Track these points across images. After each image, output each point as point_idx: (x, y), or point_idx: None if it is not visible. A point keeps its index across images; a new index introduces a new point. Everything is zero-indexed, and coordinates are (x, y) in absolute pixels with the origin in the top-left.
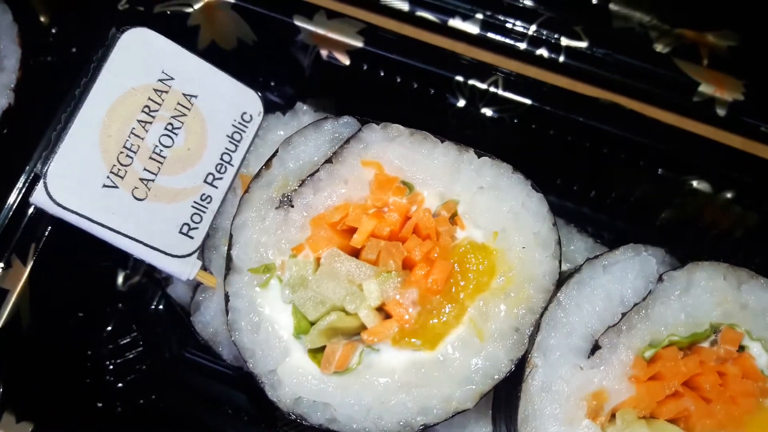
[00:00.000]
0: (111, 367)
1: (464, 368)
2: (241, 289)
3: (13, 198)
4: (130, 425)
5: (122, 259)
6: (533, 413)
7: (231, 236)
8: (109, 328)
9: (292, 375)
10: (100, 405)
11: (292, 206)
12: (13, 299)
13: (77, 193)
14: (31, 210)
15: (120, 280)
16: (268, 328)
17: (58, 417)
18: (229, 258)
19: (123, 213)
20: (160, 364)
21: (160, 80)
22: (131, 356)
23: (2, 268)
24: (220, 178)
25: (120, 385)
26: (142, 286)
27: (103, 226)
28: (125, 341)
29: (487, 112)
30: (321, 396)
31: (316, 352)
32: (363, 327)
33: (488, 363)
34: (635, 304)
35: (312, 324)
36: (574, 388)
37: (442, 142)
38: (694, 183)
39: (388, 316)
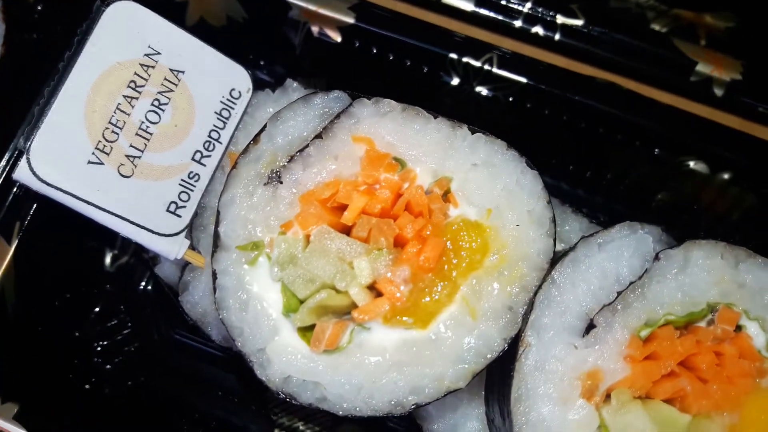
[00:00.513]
0: (99, 348)
1: (456, 347)
2: (228, 267)
3: None
4: (118, 407)
5: (109, 238)
6: (526, 393)
7: (218, 213)
8: (97, 309)
9: (281, 354)
10: (87, 387)
11: (281, 182)
12: None
13: (62, 170)
14: (15, 188)
15: (107, 260)
16: (256, 306)
17: (44, 398)
18: (216, 235)
19: (109, 190)
20: (149, 345)
21: (147, 55)
22: (119, 338)
23: None
24: (208, 156)
25: (108, 366)
26: (129, 267)
27: (88, 203)
28: (113, 322)
29: (482, 90)
30: (311, 375)
31: (306, 331)
32: (354, 305)
33: (481, 342)
34: (631, 283)
35: (301, 302)
36: (568, 367)
37: (435, 117)
38: (691, 164)
39: (379, 294)
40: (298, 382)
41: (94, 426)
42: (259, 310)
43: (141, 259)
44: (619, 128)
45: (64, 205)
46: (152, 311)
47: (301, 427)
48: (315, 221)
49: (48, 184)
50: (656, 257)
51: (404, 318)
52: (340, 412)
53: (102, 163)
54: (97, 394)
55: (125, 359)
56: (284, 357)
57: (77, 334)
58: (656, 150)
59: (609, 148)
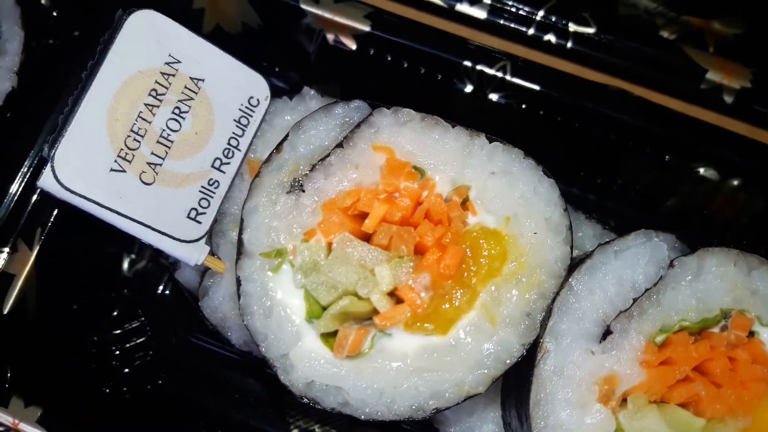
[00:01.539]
0: (117, 352)
1: (476, 353)
2: (252, 274)
3: (18, 183)
4: (137, 410)
5: (128, 244)
6: (545, 397)
7: (242, 221)
8: (115, 314)
9: (304, 359)
10: (107, 390)
11: (303, 191)
12: (19, 284)
13: (85, 177)
14: (36, 195)
15: (126, 265)
16: (280, 313)
17: (65, 402)
18: (240, 242)
19: (131, 197)
20: (167, 349)
21: (167, 63)
22: (138, 342)
23: (8, 252)
24: (228, 163)
25: (126, 370)
26: (148, 272)
27: (110, 210)
28: (131, 327)
29: (495, 97)
30: (333, 380)
31: (329, 337)
32: (375, 312)
33: (500, 348)
34: (646, 290)
35: (324, 308)
36: (585, 372)
37: (453, 126)
38: (701, 170)
39: (400, 300)
40: (320, 387)
41: (115, 428)
42: (283, 316)
43: (159, 264)
44: (630, 135)
45: (87, 212)
46: (170, 315)
47: (317, 430)
48: (337, 229)
49: (72, 192)
50: (671, 264)
51: (425, 324)
52: (363, 417)
53: (124, 171)
54: (116, 397)
55: (144, 363)
56: (307, 362)
57: (96, 338)
58: (667, 156)
59: (620, 154)
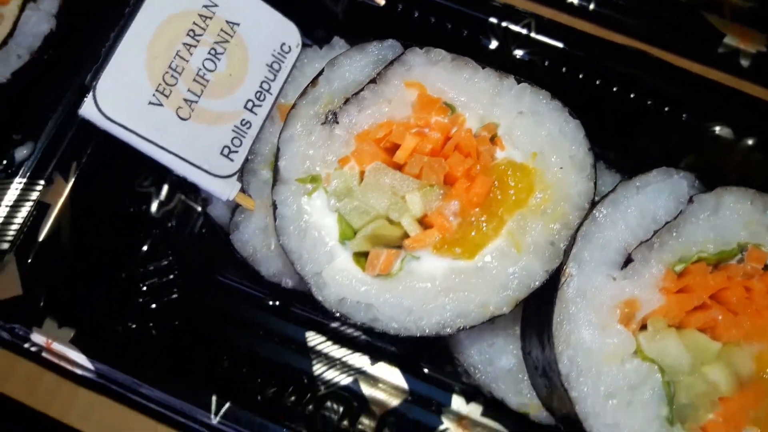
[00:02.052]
0: (144, 288)
1: (501, 276)
2: (288, 198)
3: (56, 119)
4: (163, 345)
5: (160, 183)
6: (568, 318)
7: (278, 149)
8: (144, 252)
9: (336, 277)
10: (134, 326)
11: (337, 122)
12: (54, 214)
13: (124, 108)
14: (72, 131)
15: (156, 205)
16: (314, 234)
17: (96, 328)
18: (276, 170)
19: (167, 130)
20: (194, 288)
21: (205, 6)
22: (165, 280)
23: (45, 183)
24: (259, 106)
25: (154, 306)
26: (177, 214)
27: (148, 141)
28: (160, 264)
29: (519, 53)
30: (364, 297)
31: (360, 258)
32: (405, 237)
33: (524, 272)
34: (666, 223)
35: (356, 232)
36: (607, 296)
37: (483, 68)
38: (717, 129)
39: (429, 227)
40: (352, 303)
41: (141, 360)
42: (317, 237)
43: (188, 206)
44: (649, 94)
45: (122, 144)
46: (198, 255)
47: (339, 366)
48: (370, 158)
49: (112, 121)
50: (690, 200)
51: (453, 248)
52: (391, 332)
53: (161, 105)
54: (143, 332)
55: (171, 300)
56: (339, 280)
57: (124, 274)
58: (684, 115)
59: (639, 112)
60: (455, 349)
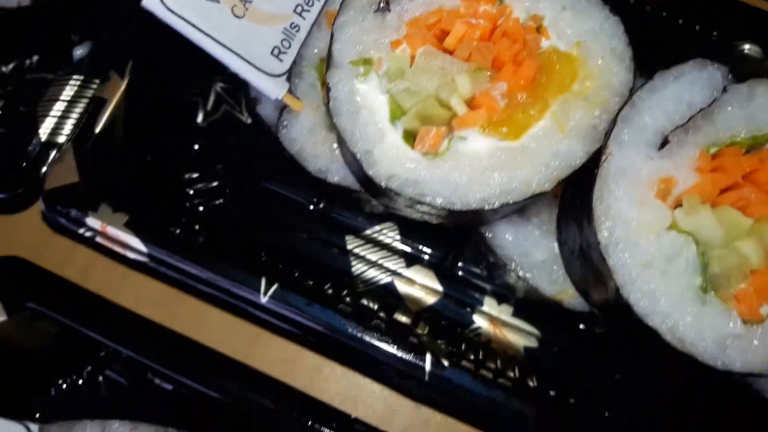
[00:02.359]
0: (191, 192)
1: (544, 156)
2: (341, 80)
3: (113, 19)
4: (213, 237)
5: (207, 93)
6: (608, 193)
7: (332, 35)
8: (193, 155)
9: (387, 155)
10: (183, 220)
11: (389, 10)
12: (109, 109)
13: (184, 2)
14: (127, 31)
15: (201, 115)
16: (366, 113)
17: (150, 213)
18: (330, 54)
19: (223, 27)
20: (240, 193)
21: None
22: (212, 186)
23: (101, 80)
24: (308, 11)
25: (201, 209)
26: (224, 122)
27: (205, 34)
28: (206, 171)
29: None
30: (412, 174)
31: (410, 137)
32: (453, 117)
33: (567, 153)
34: (701, 109)
35: (406, 113)
36: (645, 174)
37: None
38: (746, 48)
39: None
40: (400, 179)
41: (192, 244)
42: (368, 116)
43: (233, 117)
44: (680, 12)
45: (176, 47)
46: (244, 163)
47: (375, 268)
48: (421, 42)
49: (173, 13)
50: (724, 89)
51: (499, 129)
52: (438, 205)
53: (218, 2)
54: (190, 236)
55: (217, 205)
56: (389, 158)
57: (173, 176)
58: (714, 34)
59: (670, 30)
60: (492, 243)
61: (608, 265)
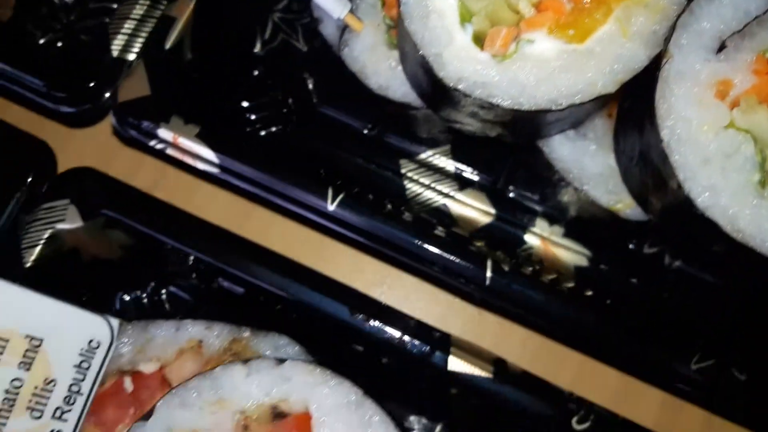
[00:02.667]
0: (253, 117)
1: (609, 59)
2: None
3: None
4: (279, 151)
5: (264, 23)
6: (669, 93)
7: None
8: (252, 82)
9: (456, 57)
10: (247, 143)
11: None
12: (179, 27)
13: None
14: None
15: (260, 43)
16: (435, 16)
17: (220, 125)
18: None
19: None
20: (298, 119)
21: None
22: (271, 113)
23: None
24: None
25: (262, 133)
26: (283, 51)
27: None
28: (265, 97)
29: None
30: (481, 76)
31: (478, 40)
32: (521, 20)
33: (629, 56)
34: (757, 16)
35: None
36: (704, 76)
37: None
38: None
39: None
40: (469, 81)
41: (261, 155)
42: (438, 19)
43: (291, 45)
44: None
45: None
46: (302, 89)
47: (429, 189)
48: None
49: None
50: None
51: (566, 31)
52: (506, 105)
53: None
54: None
55: (275, 132)
56: (459, 60)
57: (235, 99)
58: None
59: None
60: (550, 157)
61: (670, 163)
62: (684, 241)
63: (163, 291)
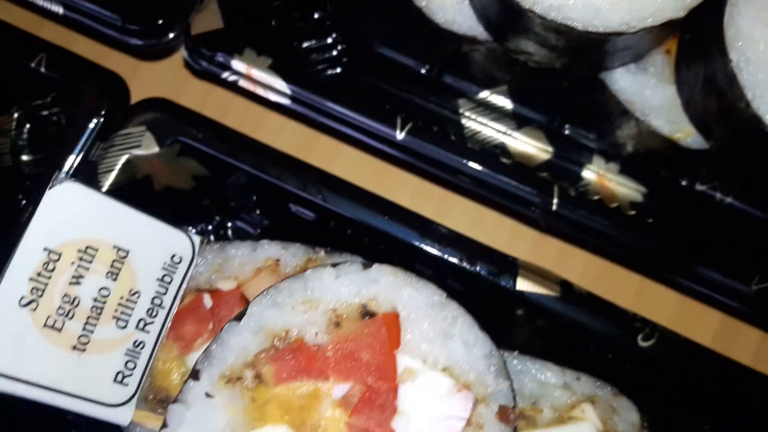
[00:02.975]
0: (312, 58)
1: None
2: None
3: None
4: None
5: None
6: (738, 16)
7: None
8: (312, 24)
9: None
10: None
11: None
12: None
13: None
14: None
15: None
16: None
17: (292, 57)
18: None
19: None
20: (358, 60)
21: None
22: (331, 54)
23: None
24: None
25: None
26: None
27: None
28: (325, 39)
29: None
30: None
31: None
32: None
33: None
34: None
35: None
36: None
37: None
38: None
39: None
40: (544, 4)
41: (332, 88)
42: None
43: None
44: None
45: None
46: (361, 30)
47: (487, 128)
48: None
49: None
50: None
51: None
52: (580, 28)
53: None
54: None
55: (337, 74)
56: None
57: (287, 37)
58: None
59: None
60: (612, 89)
61: (739, 83)
62: (743, 167)
63: (229, 224)
